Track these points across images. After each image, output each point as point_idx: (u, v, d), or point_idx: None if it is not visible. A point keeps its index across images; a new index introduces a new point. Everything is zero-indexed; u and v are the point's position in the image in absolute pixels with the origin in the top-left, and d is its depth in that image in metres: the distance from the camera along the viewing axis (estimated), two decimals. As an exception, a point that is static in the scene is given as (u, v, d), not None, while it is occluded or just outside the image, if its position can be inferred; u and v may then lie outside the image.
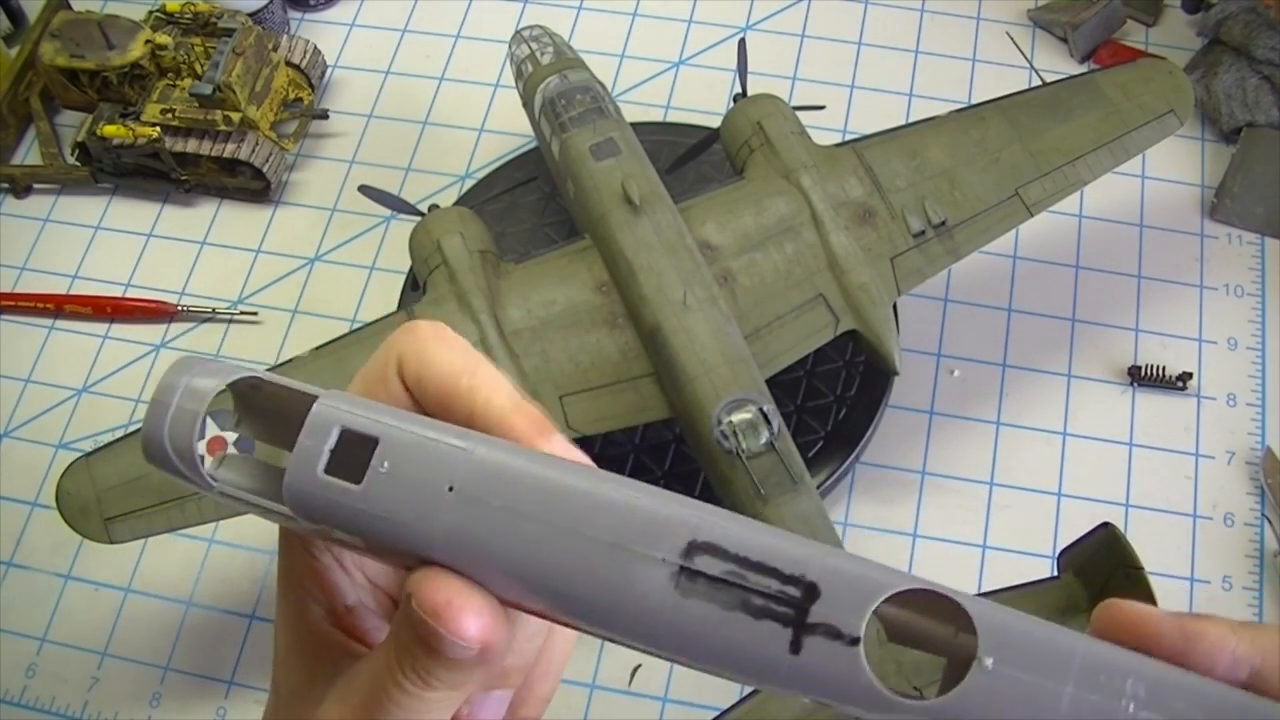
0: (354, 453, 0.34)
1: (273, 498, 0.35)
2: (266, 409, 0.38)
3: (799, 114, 0.82)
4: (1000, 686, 0.30)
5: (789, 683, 0.31)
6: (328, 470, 0.33)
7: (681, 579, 0.31)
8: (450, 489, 0.33)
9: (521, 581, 0.32)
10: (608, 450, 0.85)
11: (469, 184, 0.97)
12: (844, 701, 0.31)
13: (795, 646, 0.30)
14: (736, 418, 0.70)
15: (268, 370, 0.65)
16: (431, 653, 0.31)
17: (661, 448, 0.85)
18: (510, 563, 0.32)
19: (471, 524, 0.32)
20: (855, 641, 0.30)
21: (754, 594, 0.30)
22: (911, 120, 0.82)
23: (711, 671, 0.31)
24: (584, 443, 0.77)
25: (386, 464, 0.33)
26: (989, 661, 0.30)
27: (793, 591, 0.30)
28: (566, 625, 0.33)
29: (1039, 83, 0.98)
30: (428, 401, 0.35)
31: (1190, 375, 0.87)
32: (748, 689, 0.69)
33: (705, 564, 0.31)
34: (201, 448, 0.36)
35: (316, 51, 1.03)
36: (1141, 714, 0.28)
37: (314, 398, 0.35)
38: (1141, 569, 0.66)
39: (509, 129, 1.01)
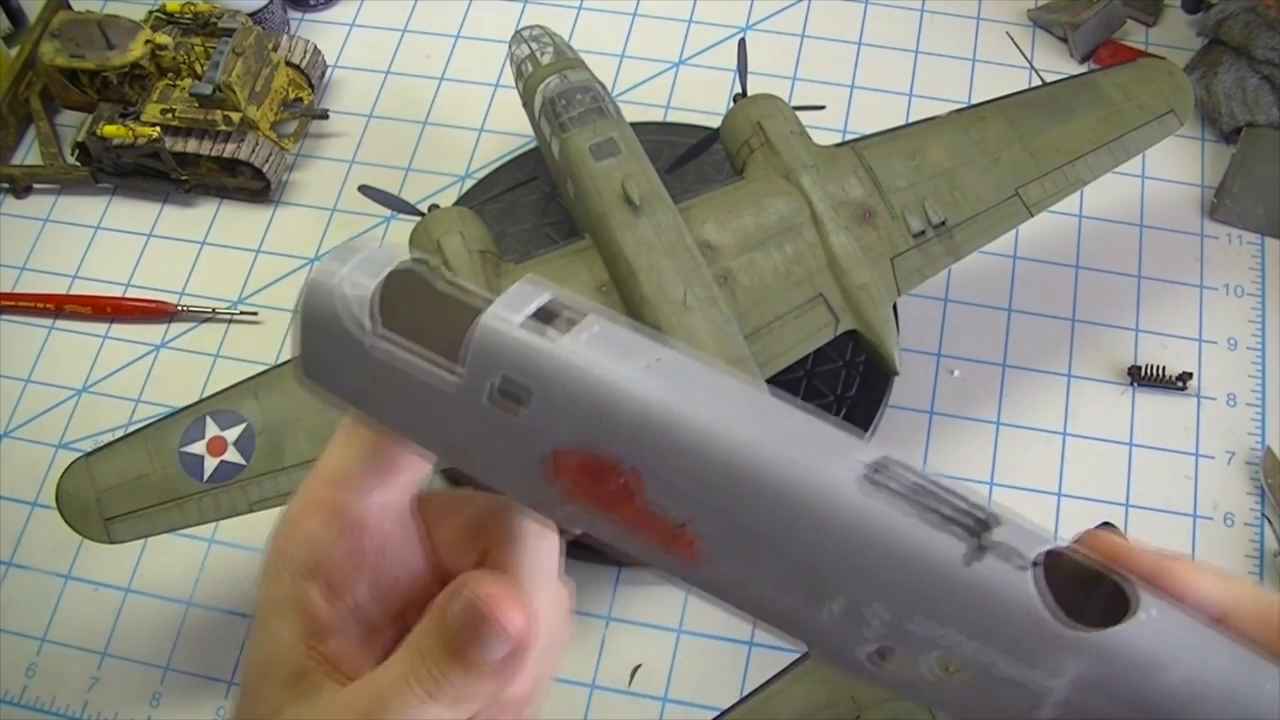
0: (554, 318, 0.34)
1: (443, 351, 0.35)
2: (423, 296, 0.37)
3: (799, 114, 0.82)
4: (1163, 631, 0.31)
5: (951, 596, 0.31)
6: (530, 319, 0.34)
7: (869, 481, 0.32)
8: (658, 360, 0.33)
9: (712, 455, 0.32)
10: (608, 450, 0.84)
11: (469, 184, 0.97)
12: (985, 636, 0.31)
13: (971, 558, 0.31)
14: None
15: (263, 372, 0.64)
16: (455, 655, 0.31)
17: (661, 448, 0.85)
18: (708, 434, 0.32)
19: (675, 394, 0.33)
20: (1028, 566, 0.31)
21: (935, 510, 0.32)
22: (911, 120, 0.82)
23: (872, 577, 0.32)
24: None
25: (597, 328, 0.34)
26: (1153, 610, 0.31)
27: (971, 517, 0.31)
28: (687, 534, 0.34)
29: (1039, 83, 0.98)
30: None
31: (1190, 375, 0.87)
32: (748, 689, 0.69)
33: (889, 478, 0.32)
34: (369, 325, 0.35)
35: (316, 51, 1.03)
36: None
37: (481, 293, 0.35)
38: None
39: (509, 129, 1.01)
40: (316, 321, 0.36)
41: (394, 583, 0.35)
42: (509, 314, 0.34)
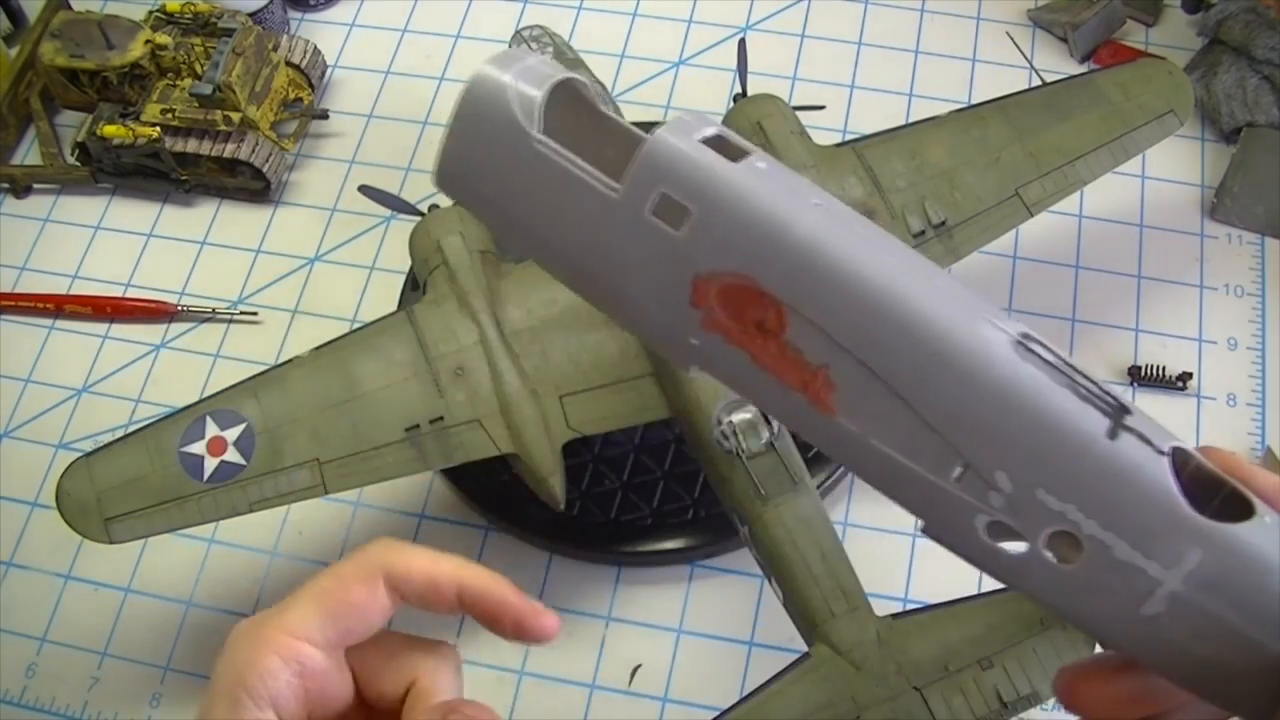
0: (722, 148, 0.34)
1: (602, 168, 0.35)
2: (578, 121, 0.38)
3: (799, 114, 0.82)
4: (1276, 537, 0.31)
5: (1085, 470, 0.31)
6: (705, 143, 0.34)
7: (1019, 347, 0.32)
8: (817, 204, 0.34)
9: (866, 297, 0.33)
10: (608, 450, 0.85)
11: (469, 184, 0.97)
12: (1113, 515, 0.31)
13: (1113, 434, 0.31)
14: (736, 418, 0.70)
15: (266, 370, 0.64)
16: None
17: (661, 448, 0.85)
18: (864, 278, 0.32)
19: (836, 235, 0.33)
20: (1164, 453, 0.31)
21: (1080, 385, 0.32)
22: (911, 120, 0.82)
23: (1012, 441, 0.32)
24: (584, 442, 0.77)
25: (763, 164, 0.34)
26: (1269, 518, 0.31)
27: (1112, 399, 0.32)
28: (825, 380, 0.34)
29: (1039, 83, 0.98)
30: (414, 588, 0.41)
31: (1190, 375, 0.87)
32: (748, 689, 0.69)
33: (1038, 349, 0.32)
34: (537, 122, 0.36)
35: (316, 51, 1.03)
36: None
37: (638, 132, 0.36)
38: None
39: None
40: (477, 118, 0.36)
41: (331, 714, 0.41)
42: (681, 134, 0.34)
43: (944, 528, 0.34)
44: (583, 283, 0.38)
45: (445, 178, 0.39)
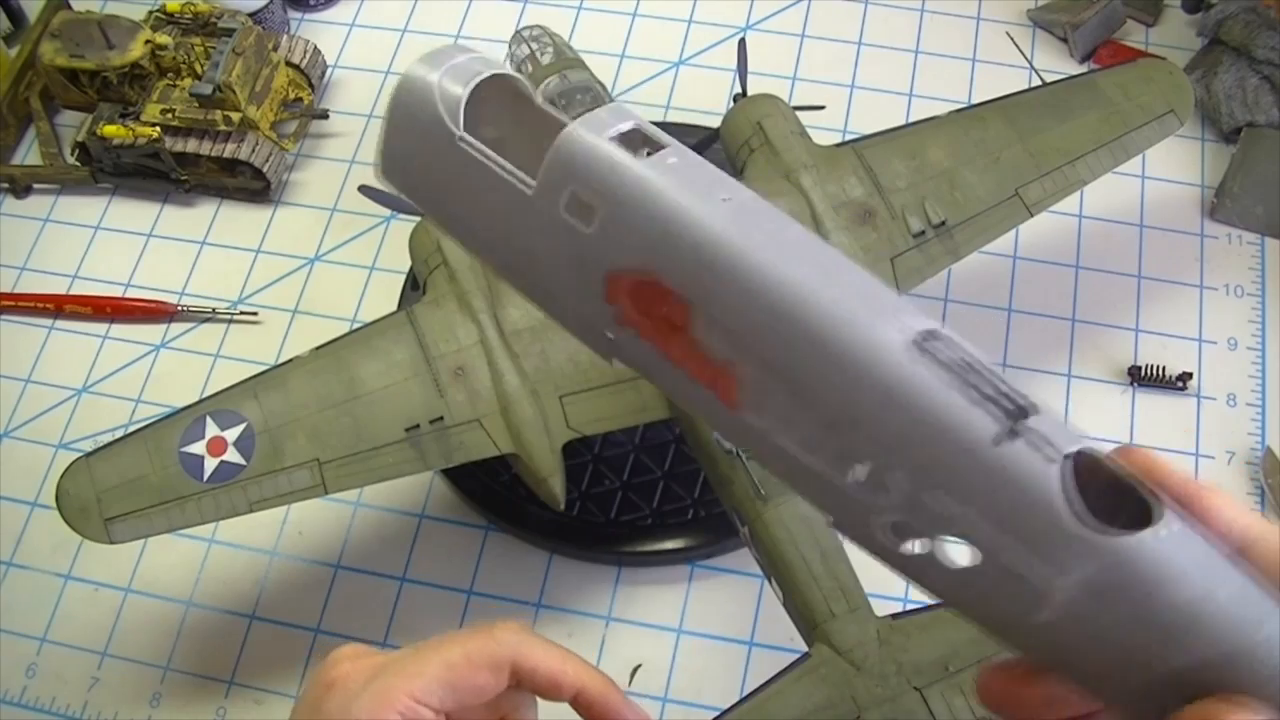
0: (637, 144, 0.35)
1: (522, 162, 0.36)
2: (510, 109, 0.39)
3: (799, 114, 0.82)
4: (1176, 548, 0.30)
5: (975, 474, 0.31)
6: (614, 140, 0.34)
7: (916, 347, 0.32)
8: (725, 200, 0.34)
9: (766, 296, 0.33)
10: (607, 450, 0.85)
11: (469, 184, 0.97)
12: (1001, 521, 0.31)
13: (999, 440, 0.31)
14: (736, 418, 0.70)
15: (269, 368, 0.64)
16: None
17: (661, 448, 0.85)
18: (761, 274, 0.32)
19: (737, 232, 0.33)
20: (1057, 460, 0.30)
21: (977, 386, 0.31)
22: (911, 120, 0.82)
23: (900, 442, 0.32)
24: (584, 442, 0.77)
25: (674, 160, 0.34)
26: (1175, 525, 0.30)
27: (1010, 401, 0.31)
28: (728, 374, 0.34)
29: (1039, 83, 0.98)
30: (538, 683, 0.45)
31: (1190, 375, 0.87)
32: (748, 689, 0.69)
33: (938, 348, 0.32)
34: (459, 121, 0.37)
35: (316, 51, 1.03)
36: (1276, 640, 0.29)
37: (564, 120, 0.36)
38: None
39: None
40: (406, 115, 0.37)
41: None
42: (594, 129, 0.35)
43: (847, 525, 0.34)
44: (509, 275, 0.39)
45: (385, 170, 0.40)
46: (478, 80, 0.37)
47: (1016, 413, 0.31)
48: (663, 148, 0.35)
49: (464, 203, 0.38)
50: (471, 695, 0.44)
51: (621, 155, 0.34)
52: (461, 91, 0.37)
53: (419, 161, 0.38)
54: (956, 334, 0.33)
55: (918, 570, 0.33)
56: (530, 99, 0.38)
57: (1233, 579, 0.30)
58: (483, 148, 0.36)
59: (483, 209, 0.37)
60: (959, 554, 0.32)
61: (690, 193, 0.34)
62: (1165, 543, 0.30)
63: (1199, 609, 0.30)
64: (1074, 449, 0.31)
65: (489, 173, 0.36)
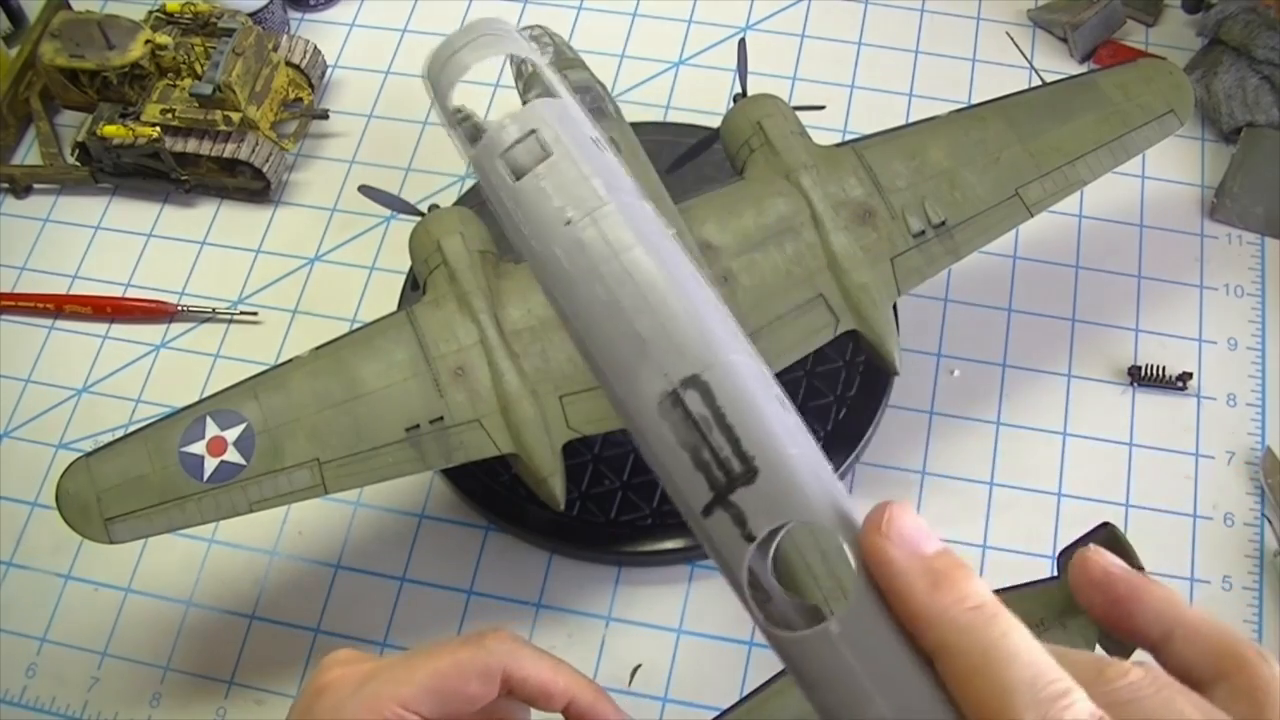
0: (532, 154, 0.37)
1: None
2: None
3: (799, 114, 0.82)
4: (828, 656, 0.30)
5: (694, 529, 0.33)
6: (503, 154, 0.37)
7: (666, 401, 0.33)
8: (567, 223, 0.35)
9: (572, 328, 0.35)
10: (607, 450, 0.85)
11: (469, 184, 0.97)
12: (725, 572, 0.32)
13: (708, 510, 0.31)
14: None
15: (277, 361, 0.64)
16: None
17: (661, 448, 0.85)
18: (574, 307, 0.35)
19: (562, 258, 0.35)
20: (751, 539, 0.31)
21: (707, 447, 0.32)
22: (911, 120, 0.82)
23: (665, 482, 0.34)
24: (584, 442, 0.77)
25: (541, 176, 0.36)
26: (835, 629, 0.30)
27: (736, 466, 0.31)
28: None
29: (1039, 83, 0.98)
30: (528, 692, 0.45)
31: (1190, 375, 0.87)
32: (748, 689, 0.69)
33: (691, 399, 0.32)
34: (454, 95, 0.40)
35: (316, 51, 1.03)
36: None
37: (546, 99, 0.38)
38: (1142, 569, 0.66)
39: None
40: (434, 89, 0.41)
41: None
42: (497, 141, 0.37)
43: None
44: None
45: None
46: (468, 69, 0.40)
47: (738, 479, 0.31)
48: (546, 158, 0.36)
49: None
50: (461, 704, 0.43)
51: (500, 175, 0.36)
52: (454, 76, 0.39)
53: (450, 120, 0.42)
54: (741, 376, 0.32)
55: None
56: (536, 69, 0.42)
57: (886, 700, 0.29)
58: (460, 138, 0.39)
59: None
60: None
61: (539, 217, 0.36)
62: (819, 647, 0.30)
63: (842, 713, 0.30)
64: (773, 527, 0.31)
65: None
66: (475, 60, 0.39)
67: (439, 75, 0.39)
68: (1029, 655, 0.28)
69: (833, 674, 0.30)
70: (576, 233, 0.35)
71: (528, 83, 0.85)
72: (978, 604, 0.29)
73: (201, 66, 0.97)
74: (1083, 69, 1.02)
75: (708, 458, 0.31)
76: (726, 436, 0.31)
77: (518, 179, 0.36)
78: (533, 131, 0.37)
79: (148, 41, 0.97)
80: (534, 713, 0.48)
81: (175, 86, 0.98)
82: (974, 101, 0.88)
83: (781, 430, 0.32)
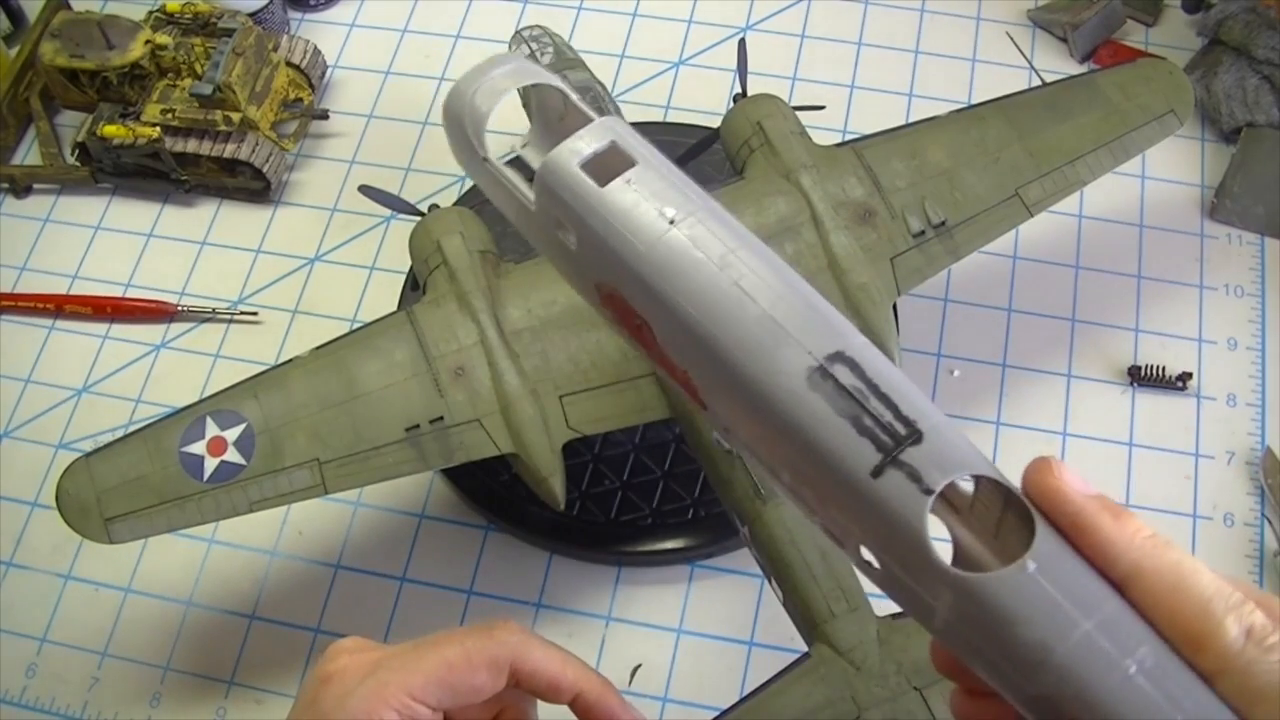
0: (610, 164, 0.38)
1: (527, 179, 0.41)
2: (548, 110, 0.44)
3: (799, 114, 0.82)
4: (1029, 590, 0.31)
5: (854, 500, 0.33)
6: (583, 164, 0.38)
7: (815, 375, 0.33)
8: (671, 222, 0.36)
9: (688, 323, 0.35)
10: (607, 450, 0.85)
11: (469, 184, 0.97)
12: (882, 544, 0.33)
13: (879, 471, 0.32)
14: (736, 418, 0.70)
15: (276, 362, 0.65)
16: None
17: (661, 448, 0.85)
18: (686, 311, 0.35)
19: (674, 266, 0.36)
20: (929, 492, 0.32)
21: (867, 414, 0.33)
22: (911, 120, 0.82)
23: (785, 461, 0.34)
24: (584, 442, 0.77)
25: (632, 178, 0.37)
26: (1031, 565, 0.31)
27: (900, 429, 0.32)
28: (690, 380, 0.37)
29: (1039, 83, 0.98)
30: (536, 684, 0.44)
31: (1190, 375, 0.87)
32: (748, 689, 0.69)
33: (840, 373, 0.33)
34: (481, 144, 0.42)
35: (316, 51, 1.03)
36: (1139, 679, 0.30)
37: (593, 118, 0.40)
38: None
39: (509, 129, 1.00)
40: (452, 127, 0.43)
41: None
42: (572, 153, 0.38)
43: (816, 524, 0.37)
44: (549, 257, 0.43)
45: (457, 158, 0.47)
46: (503, 98, 0.42)
47: (897, 442, 0.32)
48: (627, 168, 0.38)
49: (500, 202, 0.43)
50: (469, 695, 0.43)
51: (584, 184, 0.37)
52: (485, 111, 0.41)
53: (466, 164, 0.44)
54: (873, 353, 0.34)
55: (859, 564, 0.35)
56: (567, 97, 0.42)
57: (1086, 624, 0.31)
58: (498, 167, 0.41)
59: (512, 212, 0.43)
60: (868, 560, 0.34)
61: (637, 219, 0.37)
62: (1019, 583, 0.31)
63: (1046, 652, 0.31)
64: (950, 479, 0.32)
65: (506, 188, 0.41)
66: (507, 88, 0.41)
67: (469, 108, 0.41)
68: (1207, 574, 0.32)
69: (1034, 606, 0.31)
70: (686, 230, 0.36)
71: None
72: (1151, 533, 0.32)
73: (201, 66, 0.97)
74: (1083, 69, 1.02)
75: (869, 424, 0.32)
76: (885, 404, 0.33)
77: (602, 185, 0.37)
78: (612, 142, 0.37)
79: (148, 41, 0.97)
80: (540, 705, 0.47)
81: (175, 86, 0.98)
82: (974, 101, 0.88)
83: (925, 398, 0.34)
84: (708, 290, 0.35)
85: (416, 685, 0.42)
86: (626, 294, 0.37)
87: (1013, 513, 0.33)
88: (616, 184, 0.37)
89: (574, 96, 0.41)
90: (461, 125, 0.41)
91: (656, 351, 0.38)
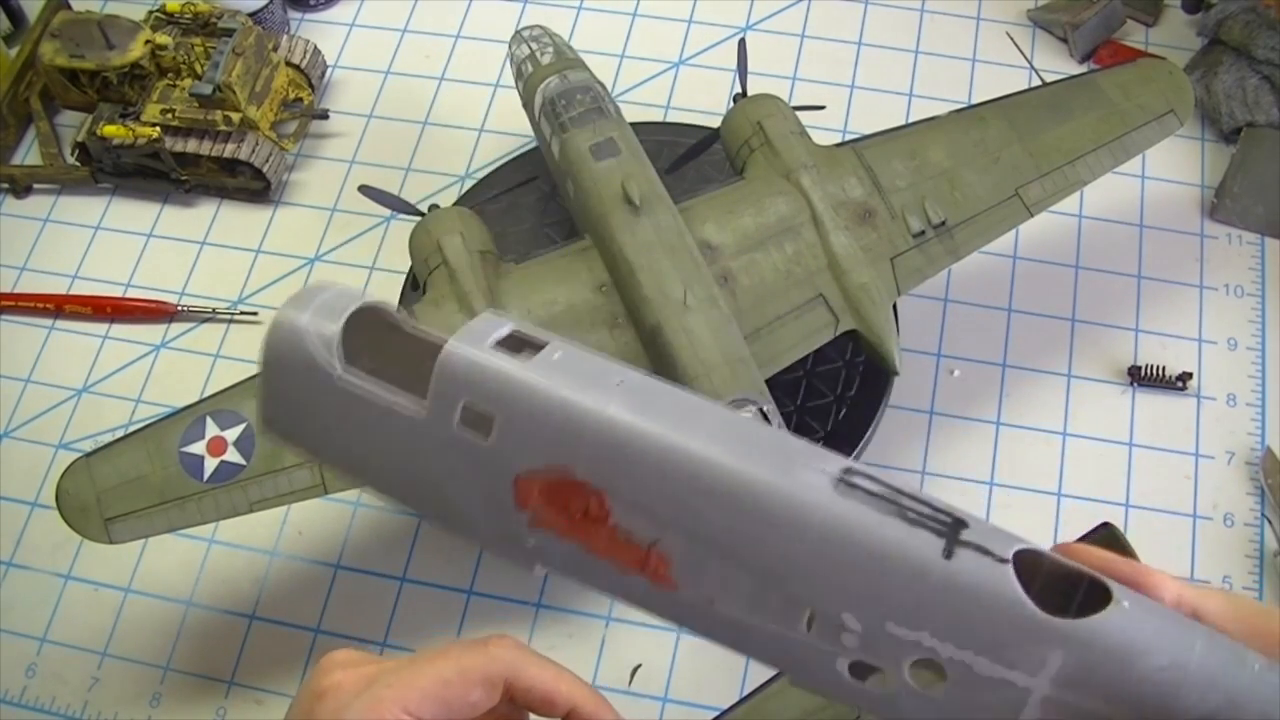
0: (518, 347, 0.35)
1: (407, 388, 0.36)
2: (383, 339, 0.39)
3: (799, 114, 0.82)
4: (1140, 621, 0.31)
5: (928, 594, 0.31)
6: (497, 347, 0.35)
7: (841, 485, 0.32)
8: (620, 382, 0.34)
9: (680, 469, 0.33)
10: (608, 450, 0.84)
11: (469, 184, 0.97)
12: (964, 632, 0.31)
13: (949, 553, 0.31)
14: (736, 418, 0.70)
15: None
16: None
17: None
18: (670, 448, 0.33)
19: (638, 413, 0.33)
20: (1005, 561, 0.31)
21: (909, 510, 0.32)
22: (911, 120, 0.82)
23: (845, 580, 0.32)
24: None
25: (559, 355, 0.35)
26: (1126, 603, 0.31)
27: (944, 517, 0.32)
28: (660, 554, 0.34)
29: (1039, 83, 0.98)
30: (531, 700, 0.44)
31: (1190, 375, 0.87)
32: (748, 689, 0.69)
33: (861, 482, 0.32)
34: (337, 358, 0.36)
35: (316, 51, 1.03)
36: (1267, 674, 0.31)
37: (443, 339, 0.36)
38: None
39: (509, 129, 1.01)
40: (282, 362, 0.37)
41: None
42: (474, 341, 0.35)
43: (807, 676, 0.35)
44: (416, 504, 0.39)
45: (269, 423, 0.39)
46: (348, 314, 0.36)
47: (955, 526, 0.32)
48: (543, 347, 0.35)
49: (355, 439, 0.38)
50: (464, 711, 0.43)
51: (505, 361, 0.34)
52: (335, 328, 0.36)
53: (305, 408, 0.37)
54: (865, 465, 0.34)
55: (892, 706, 0.33)
56: (401, 326, 0.37)
57: (1199, 636, 0.31)
58: (367, 379, 0.36)
59: (376, 442, 0.37)
60: (931, 677, 0.33)
61: (584, 384, 0.34)
62: (1128, 617, 0.31)
63: (1177, 672, 0.30)
64: (1016, 548, 0.31)
65: (376, 404, 0.36)
66: (346, 307, 0.36)
67: (313, 332, 0.36)
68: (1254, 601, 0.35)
69: (1152, 633, 0.31)
70: (632, 387, 0.35)
71: (528, 83, 0.85)
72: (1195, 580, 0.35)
73: (201, 66, 0.97)
74: (1083, 69, 1.02)
75: (915, 517, 0.32)
76: (916, 500, 0.32)
77: (527, 359, 0.35)
78: (513, 329, 0.36)
79: (148, 41, 0.97)
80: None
81: (175, 86, 0.98)
82: (974, 101, 0.88)
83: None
84: (698, 428, 0.33)
85: (412, 701, 0.42)
86: (580, 467, 0.34)
87: (1053, 583, 0.32)
88: (542, 359, 0.34)
89: (413, 322, 0.37)
90: (304, 349, 0.36)
91: (606, 537, 0.35)
